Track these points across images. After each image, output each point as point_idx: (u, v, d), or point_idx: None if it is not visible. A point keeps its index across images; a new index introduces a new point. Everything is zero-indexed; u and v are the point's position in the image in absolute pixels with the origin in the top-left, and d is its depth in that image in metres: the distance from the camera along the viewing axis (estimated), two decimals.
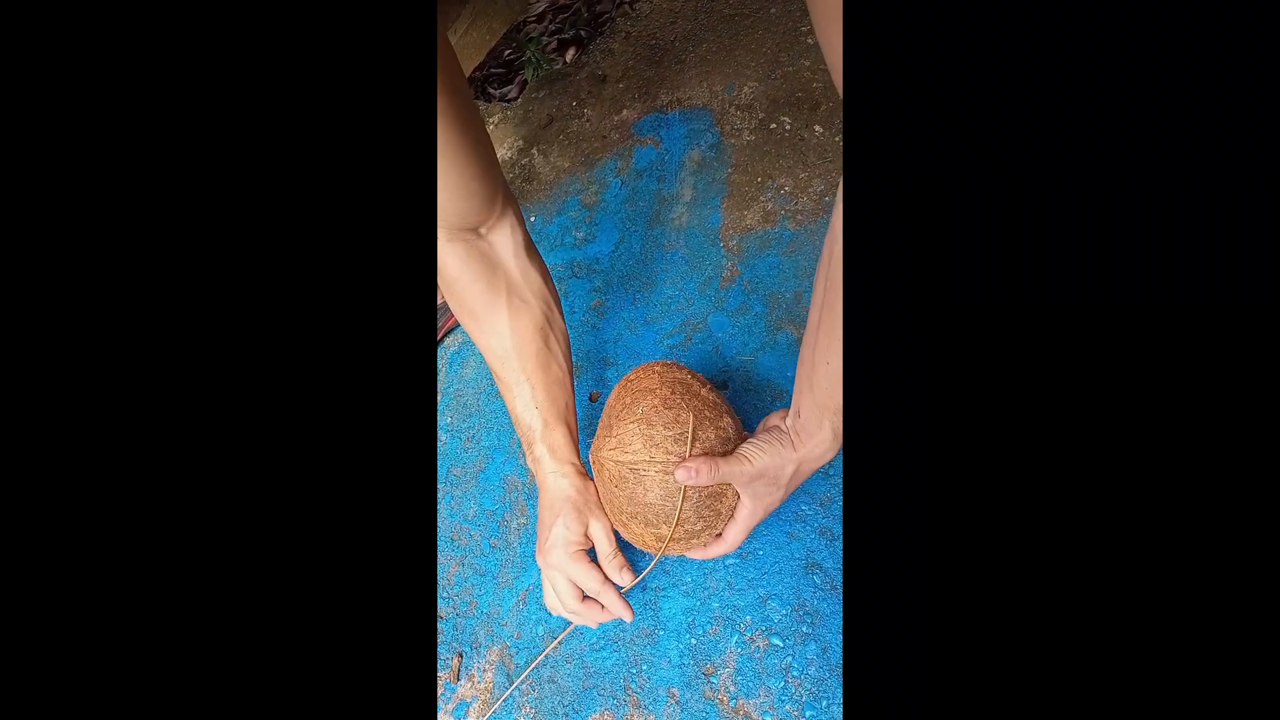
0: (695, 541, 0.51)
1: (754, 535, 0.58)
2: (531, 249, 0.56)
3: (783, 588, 0.56)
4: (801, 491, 0.59)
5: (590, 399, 0.74)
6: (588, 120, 1.00)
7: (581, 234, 0.88)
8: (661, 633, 0.59)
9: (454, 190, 0.46)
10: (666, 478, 0.47)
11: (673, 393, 0.48)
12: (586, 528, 0.53)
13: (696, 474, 0.45)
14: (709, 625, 0.58)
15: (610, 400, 0.53)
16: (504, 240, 0.53)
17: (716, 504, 0.49)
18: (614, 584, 0.54)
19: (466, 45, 0.95)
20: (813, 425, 0.46)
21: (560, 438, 0.54)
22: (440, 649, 0.66)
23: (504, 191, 0.52)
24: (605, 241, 0.86)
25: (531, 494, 0.71)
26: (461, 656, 0.64)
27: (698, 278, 0.77)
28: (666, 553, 0.51)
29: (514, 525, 0.70)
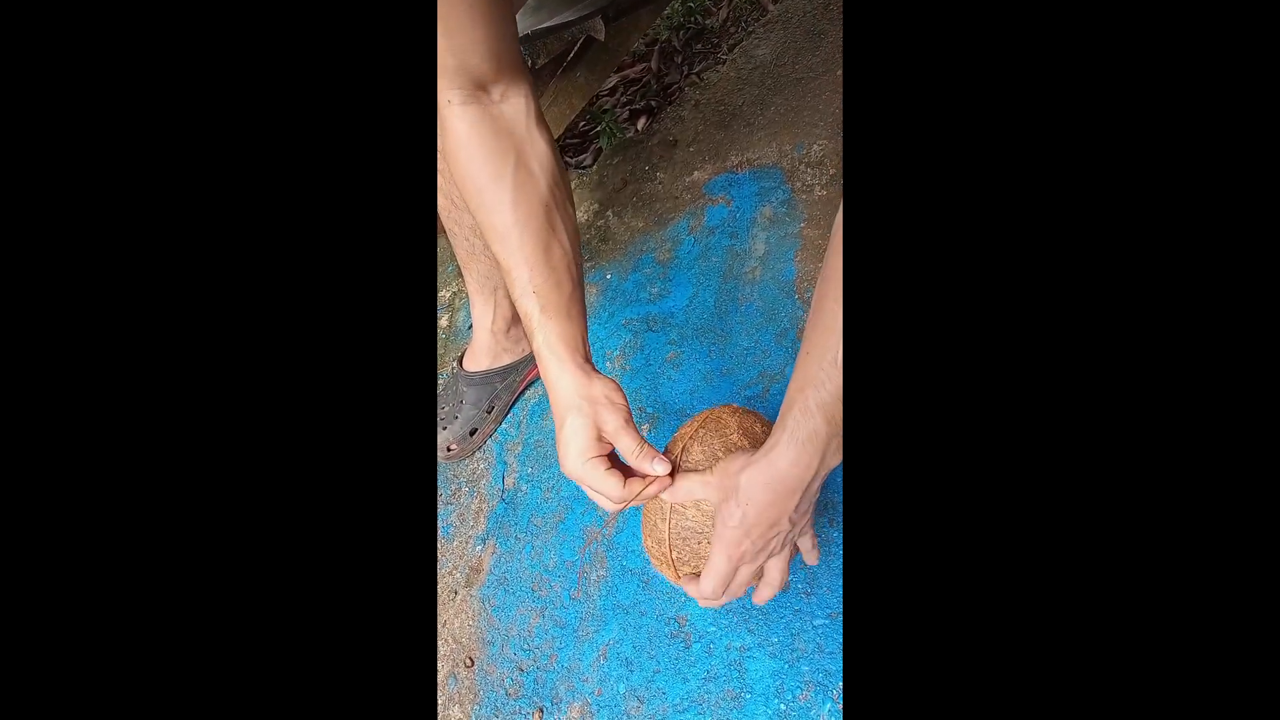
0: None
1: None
2: (543, 121, 0.52)
3: None
4: None
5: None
6: (660, 183, 1.05)
7: (656, 289, 0.91)
8: (748, 696, 0.56)
9: (457, 26, 0.44)
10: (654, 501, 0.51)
11: (702, 427, 0.51)
12: (599, 431, 0.47)
13: (655, 482, 0.47)
14: (799, 690, 0.55)
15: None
16: (517, 107, 0.50)
17: (695, 543, 0.48)
18: (649, 472, 0.48)
19: (548, 120, 1.02)
20: (771, 434, 0.42)
21: (558, 329, 0.48)
22: (521, 703, 0.65)
23: (516, 56, 0.50)
24: (680, 296, 0.88)
25: (612, 545, 0.71)
26: (542, 712, 0.64)
27: (773, 329, 0.78)
28: (676, 581, 0.51)
29: (594, 577, 0.70)
